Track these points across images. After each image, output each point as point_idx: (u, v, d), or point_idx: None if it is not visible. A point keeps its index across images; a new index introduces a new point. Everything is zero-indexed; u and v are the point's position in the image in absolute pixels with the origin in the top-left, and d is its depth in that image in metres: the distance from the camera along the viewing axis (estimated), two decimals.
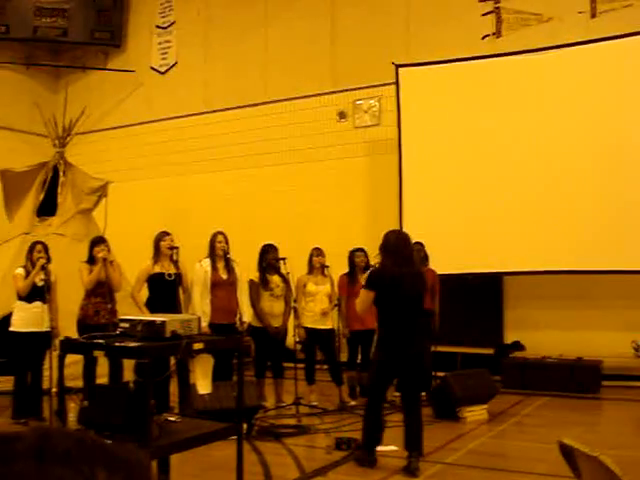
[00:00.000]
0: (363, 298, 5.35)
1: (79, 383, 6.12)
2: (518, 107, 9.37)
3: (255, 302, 7.52)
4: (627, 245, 8.70)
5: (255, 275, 7.61)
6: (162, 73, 13.18)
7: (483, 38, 10.22)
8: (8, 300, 7.49)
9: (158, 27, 13.28)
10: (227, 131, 12.05)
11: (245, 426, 5.42)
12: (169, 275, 7.04)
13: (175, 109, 12.68)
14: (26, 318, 6.89)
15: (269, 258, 7.63)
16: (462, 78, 9.73)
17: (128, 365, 5.63)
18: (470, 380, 7.15)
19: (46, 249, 7.06)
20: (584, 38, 9.16)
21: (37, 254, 6.95)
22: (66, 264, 7.76)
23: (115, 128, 13.36)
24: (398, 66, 10.03)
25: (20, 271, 7.00)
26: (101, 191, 9.65)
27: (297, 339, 7.82)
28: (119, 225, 9.94)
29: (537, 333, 9.49)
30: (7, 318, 7.31)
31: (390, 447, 5.65)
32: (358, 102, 11.18)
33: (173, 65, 13.07)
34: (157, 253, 7.10)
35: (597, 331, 9.12)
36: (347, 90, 11.19)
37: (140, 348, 3.73)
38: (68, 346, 4.04)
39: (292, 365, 7.68)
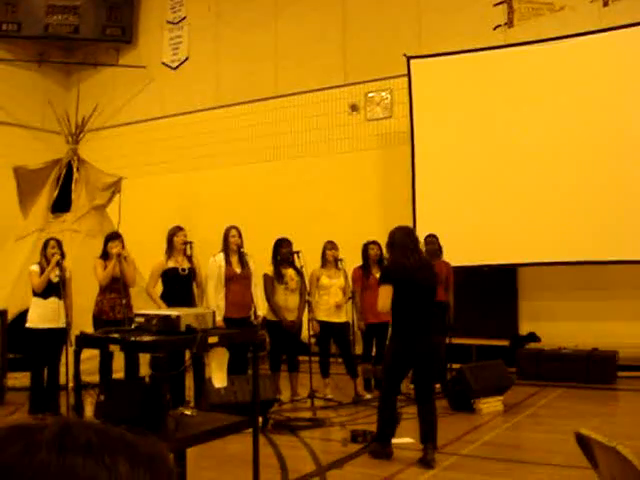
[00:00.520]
0: (383, 294, 5.34)
1: (95, 378, 6.16)
2: (530, 97, 9.31)
3: (270, 296, 7.53)
4: None
5: (269, 269, 7.62)
6: (173, 69, 13.20)
7: (495, 28, 10.16)
8: (24, 297, 7.54)
9: (169, 22, 13.30)
10: (239, 126, 12.06)
11: (261, 419, 5.43)
12: (183, 270, 7.06)
13: (187, 104, 12.71)
14: (43, 314, 6.92)
15: (283, 252, 7.63)
16: (474, 69, 9.68)
17: (144, 360, 5.66)
18: (485, 372, 7.14)
19: (60, 245, 7.07)
20: (596, 27, 9.11)
21: (51, 250, 6.96)
22: (81, 260, 7.80)
23: (127, 124, 13.42)
24: (410, 58, 9.99)
25: (35, 268, 7.03)
26: (114, 187, 9.70)
27: (311, 332, 7.83)
28: (133, 221, 9.99)
29: (552, 324, 9.45)
30: (23, 315, 7.37)
31: (406, 439, 5.66)
32: (370, 94, 11.15)
33: (184, 60, 13.08)
34: (170, 248, 7.12)
35: (613, 321, 9.07)
36: (359, 83, 11.17)
37: (155, 342, 3.74)
38: (84, 341, 4.05)
39: (307, 358, 7.68)
